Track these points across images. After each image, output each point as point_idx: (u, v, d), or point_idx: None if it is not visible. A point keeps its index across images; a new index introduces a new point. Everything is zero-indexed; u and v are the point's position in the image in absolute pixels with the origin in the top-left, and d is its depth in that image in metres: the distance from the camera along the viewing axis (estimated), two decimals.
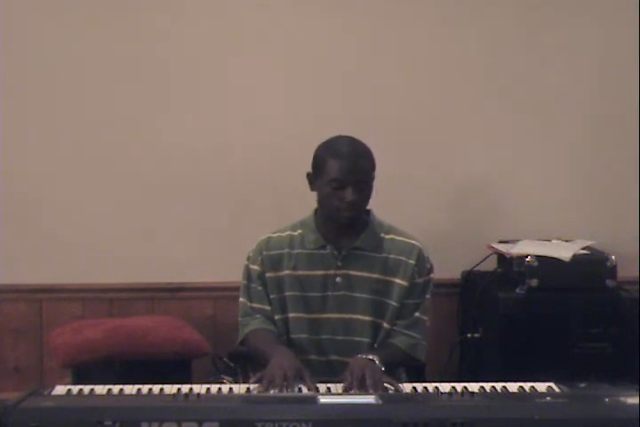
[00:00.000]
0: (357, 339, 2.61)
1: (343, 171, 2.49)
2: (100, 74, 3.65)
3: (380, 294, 2.61)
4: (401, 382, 2.37)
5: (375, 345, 2.61)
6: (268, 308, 2.63)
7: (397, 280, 2.60)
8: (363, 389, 2.24)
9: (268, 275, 2.63)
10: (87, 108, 3.67)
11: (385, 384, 2.28)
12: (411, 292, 2.61)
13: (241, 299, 2.69)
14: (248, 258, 2.68)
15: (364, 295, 2.60)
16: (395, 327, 2.62)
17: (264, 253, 2.64)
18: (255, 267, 2.65)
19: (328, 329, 2.62)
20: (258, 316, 2.64)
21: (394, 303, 2.60)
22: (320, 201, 2.59)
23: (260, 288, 2.64)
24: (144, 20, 3.64)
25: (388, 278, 2.60)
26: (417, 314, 2.63)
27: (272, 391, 2.22)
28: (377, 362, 2.40)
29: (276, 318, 2.63)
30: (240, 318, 2.68)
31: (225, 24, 3.67)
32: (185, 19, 3.66)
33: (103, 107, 3.67)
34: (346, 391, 2.26)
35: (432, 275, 2.67)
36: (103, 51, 3.64)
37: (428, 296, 2.66)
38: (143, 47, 3.65)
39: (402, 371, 2.70)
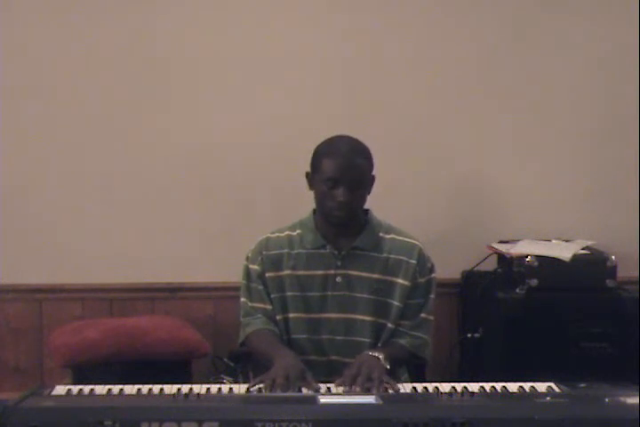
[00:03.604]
0: (358, 339, 2.61)
1: (338, 170, 2.49)
2: (101, 74, 3.65)
3: (380, 293, 2.60)
4: (402, 382, 2.37)
5: (379, 345, 2.61)
6: (269, 307, 2.63)
7: (399, 280, 2.60)
8: (353, 384, 2.24)
9: (268, 275, 2.63)
10: (87, 109, 3.67)
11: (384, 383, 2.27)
12: (414, 292, 2.61)
13: (242, 299, 2.69)
14: (247, 258, 2.68)
15: (364, 295, 2.60)
16: (400, 328, 2.61)
17: (264, 253, 2.64)
18: (255, 267, 2.64)
19: (328, 329, 2.62)
20: (259, 315, 2.63)
21: (396, 303, 2.60)
22: (316, 200, 2.59)
23: (260, 287, 2.63)
24: (144, 20, 3.64)
25: (388, 278, 2.60)
26: (423, 315, 2.63)
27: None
28: (381, 359, 2.40)
29: (277, 317, 2.62)
30: (242, 319, 2.68)
31: (226, 24, 3.67)
32: (186, 18, 3.66)
33: (103, 107, 3.67)
34: (338, 387, 2.25)
35: (434, 274, 2.67)
36: (103, 50, 3.64)
37: (431, 296, 2.65)
38: (144, 47, 3.65)
39: (404, 370, 2.70)
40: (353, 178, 2.50)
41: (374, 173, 2.60)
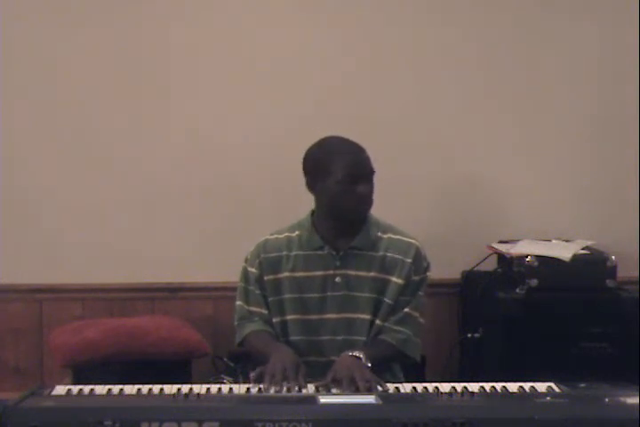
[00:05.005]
0: (358, 338, 2.60)
1: (353, 166, 2.51)
2: (101, 73, 3.65)
3: (378, 292, 2.60)
4: (398, 382, 2.37)
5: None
6: (265, 312, 2.63)
7: (394, 279, 2.60)
8: (353, 390, 2.22)
9: (266, 278, 2.62)
10: (87, 108, 3.67)
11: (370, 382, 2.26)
12: (405, 289, 2.60)
13: (238, 302, 2.68)
14: (246, 260, 2.68)
15: (364, 294, 2.60)
16: (385, 324, 2.60)
17: (262, 255, 2.63)
18: (253, 270, 2.64)
19: (328, 330, 2.61)
20: (256, 319, 2.63)
21: (389, 301, 2.60)
22: (327, 202, 2.57)
23: (257, 292, 2.63)
24: (145, 20, 3.65)
25: (384, 277, 2.60)
26: (406, 309, 2.61)
27: (273, 387, 2.22)
28: (363, 359, 2.39)
29: (274, 320, 2.62)
30: (236, 322, 2.68)
31: (226, 24, 3.67)
32: (186, 20, 3.66)
33: (103, 107, 3.67)
34: (323, 389, 2.25)
35: (429, 273, 2.67)
36: (103, 50, 3.65)
37: (420, 293, 2.64)
38: (144, 47, 3.65)
39: (399, 369, 2.69)
40: (367, 171, 2.55)
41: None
